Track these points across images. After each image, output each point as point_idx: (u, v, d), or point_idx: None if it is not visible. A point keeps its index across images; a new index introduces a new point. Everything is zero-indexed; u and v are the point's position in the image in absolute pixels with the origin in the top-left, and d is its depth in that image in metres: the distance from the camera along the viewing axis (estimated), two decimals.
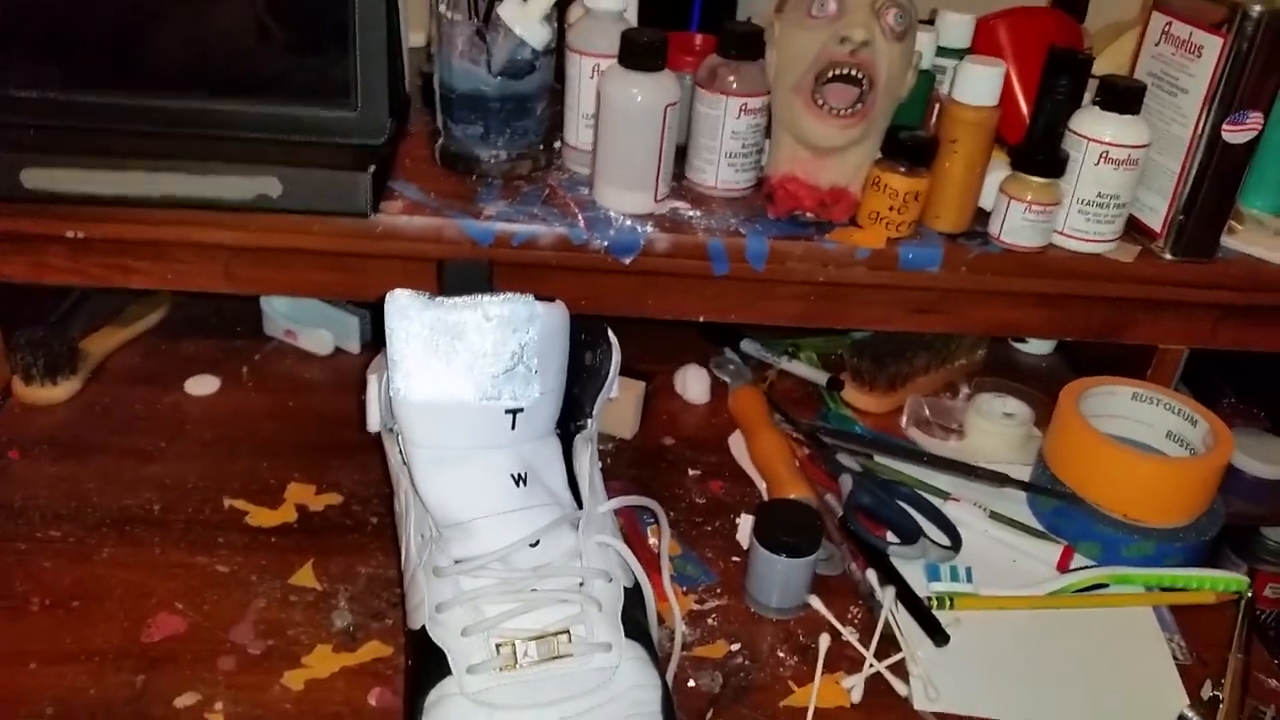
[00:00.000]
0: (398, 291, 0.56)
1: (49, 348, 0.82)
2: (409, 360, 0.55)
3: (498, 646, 0.54)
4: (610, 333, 0.64)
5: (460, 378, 0.56)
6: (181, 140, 0.75)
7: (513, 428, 0.57)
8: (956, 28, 0.87)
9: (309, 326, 0.91)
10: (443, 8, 0.79)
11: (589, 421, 0.63)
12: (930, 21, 0.88)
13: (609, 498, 0.63)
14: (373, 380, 0.61)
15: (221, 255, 0.78)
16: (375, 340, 0.92)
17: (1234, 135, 0.75)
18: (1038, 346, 1.05)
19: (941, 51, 0.87)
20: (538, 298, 0.58)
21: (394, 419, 0.57)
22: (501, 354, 0.56)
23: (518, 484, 0.57)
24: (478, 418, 0.56)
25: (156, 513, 0.73)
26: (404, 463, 0.57)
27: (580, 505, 0.60)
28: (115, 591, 0.66)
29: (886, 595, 0.67)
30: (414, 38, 1.00)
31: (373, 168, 0.74)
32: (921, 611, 0.68)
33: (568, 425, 0.62)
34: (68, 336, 0.85)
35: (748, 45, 0.78)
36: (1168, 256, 0.81)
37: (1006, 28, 0.88)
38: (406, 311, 0.55)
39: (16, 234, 0.75)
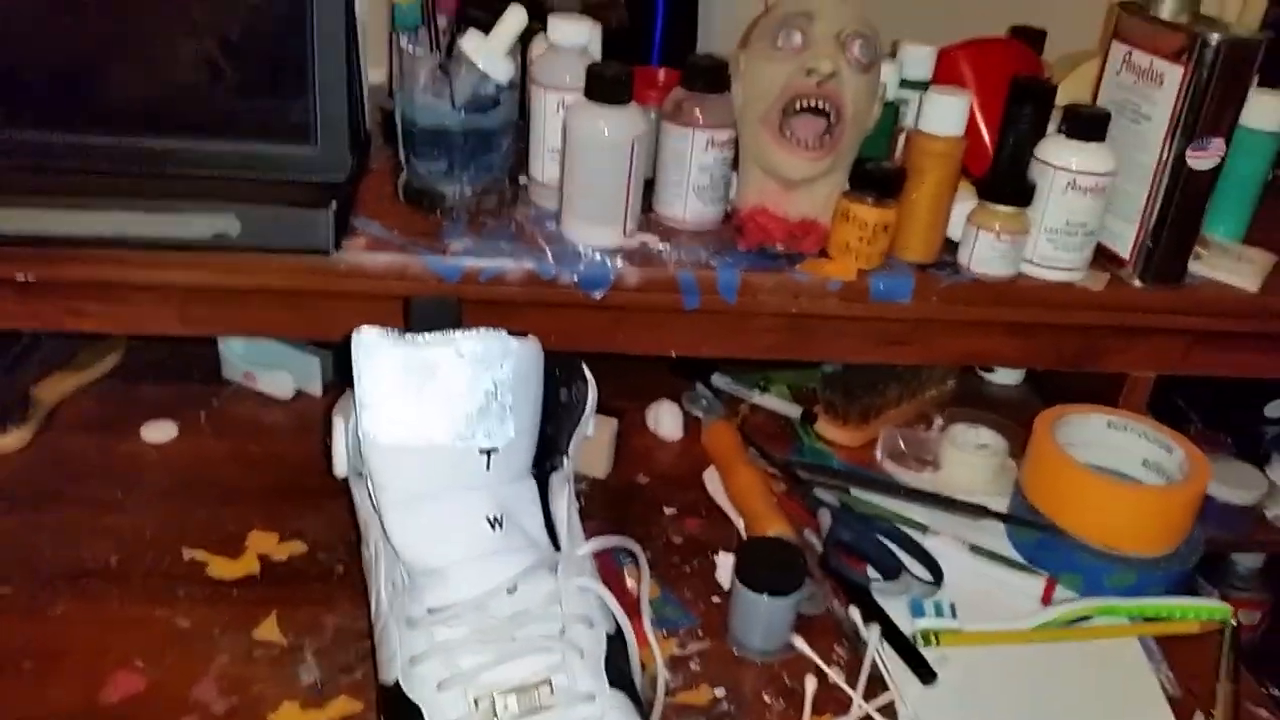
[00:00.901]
0: (365, 329, 0.54)
1: None
2: (378, 400, 0.53)
3: (476, 701, 0.52)
4: (586, 369, 0.62)
5: (432, 418, 0.54)
6: (136, 179, 0.73)
7: (487, 469, 0.55)
8: (918, 60, 0.88)
9: (268, 369, 0.89)
10: (403, 42, 0.78)
11: (565, 460, 0.61)
12: (892, 54, 0.88)
13: (586, 539, 0.62)
14: (338, 422, 0.58)
15: (176, 296, 0.75)
16: (337, 381, 0.90)
17: (1198, 162, 0.75)
18: (1006, 376, 1.05)
19: (904, 84, 0.87)
20: (510, 333, 0.56)
21: (363, 463, 0.55)
22: (475, 392, 0.54)
23: (493, 527, 0.55)
24: (451, 459, 0.54)
25: (113, 565, 0.70)
26: (374, 508, 0.55)
27: (558, 547, 0.58)
28: (71, 650, 0.63)
29: (871, 633, 0.66)
30: (374, 74, 0.99)
31: (334, 204, 0.72)
32: (908, 649, 0.67)
33: (543, 465, 0.61)
34: (18, 383, 0.82)
35: (713, 78, 0.78)
36: (1137, 283, 0.81)
37: (967, 59, 0.89)
38: (374, 350, 0.53)
39: None
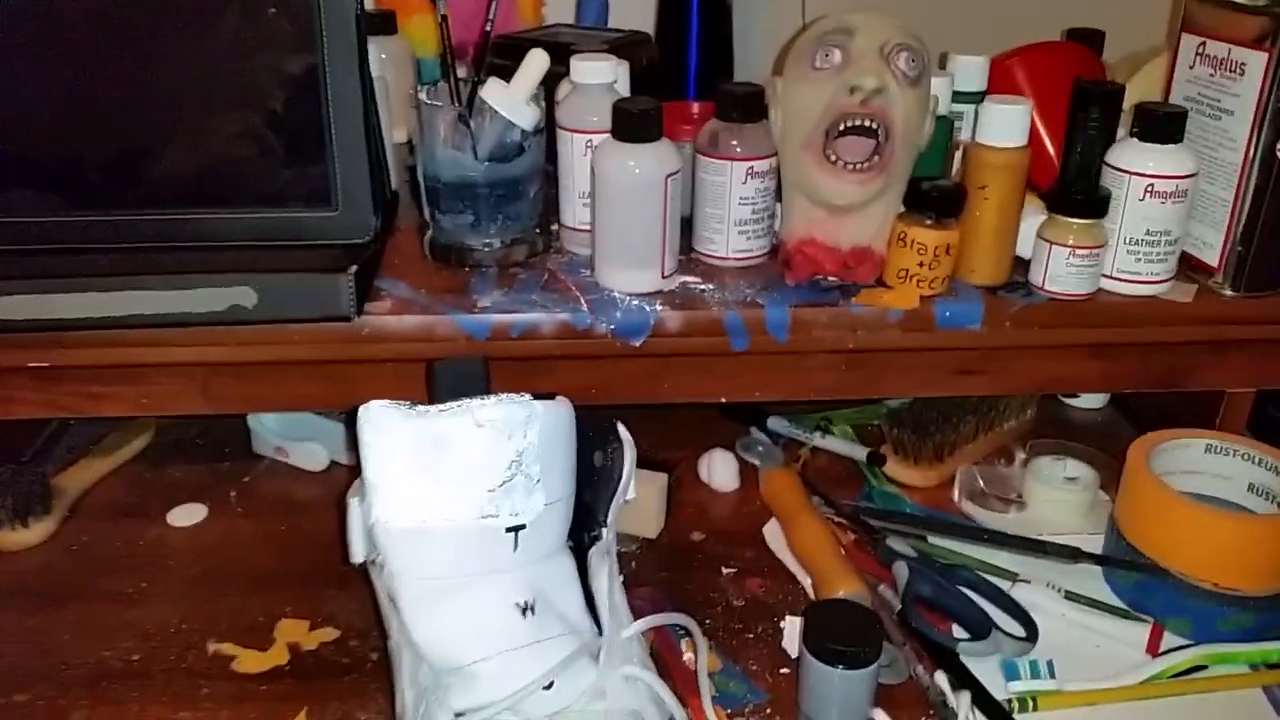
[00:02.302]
0: (372, 404, 0.49)
1: (18, 487, 0.76)
2: (389, 481, 0.49)
3: None
4: (621, 428, 0.57)
5: (450, 496, 0.49)
6: (149, 255, 0.70)
7: (515, 548, 0.50)
8: (970, 71, 0.82)
9: (300, 441, 0.85)
10: (423, 95, 0.74)
11: (604, 531, 0.55)
12: (942, 67, 0.83)
13: (634, 611, 0.56)
14: (353, 505, 0.54)
15: (199, 374, 0.72)
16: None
17: None
18: (1090, 400, 0.97)
19: (957, 96, 0.81)
20: (535, 396, 0.51)
21: (376, 550, 0.50)
22: (497, 464, 0.49)
23: (524, 614, 0.50)
24: (474, 540, 0.49)
25: (136, 663, 0.66)
26: (390, 599, 0.50)
27: (600, 630, 0.53)
28: None
29: (961, 702, 0.59)
30: (398, 134, 0.96)
31: (354, 268, 0.68)
32: (1003, 717, 0.60)
33: (581, 537, 0.55)
34: (39, 473, 0.79)
35: (749, 106, 0.73)
36: (1228, 293, 0.73)
37: (1023, 66, 0.83)
38: (383, 425, 0.49)
39: None
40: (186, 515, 0.80)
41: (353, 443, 0.80)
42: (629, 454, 0.56)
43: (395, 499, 0.49)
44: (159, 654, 0.66)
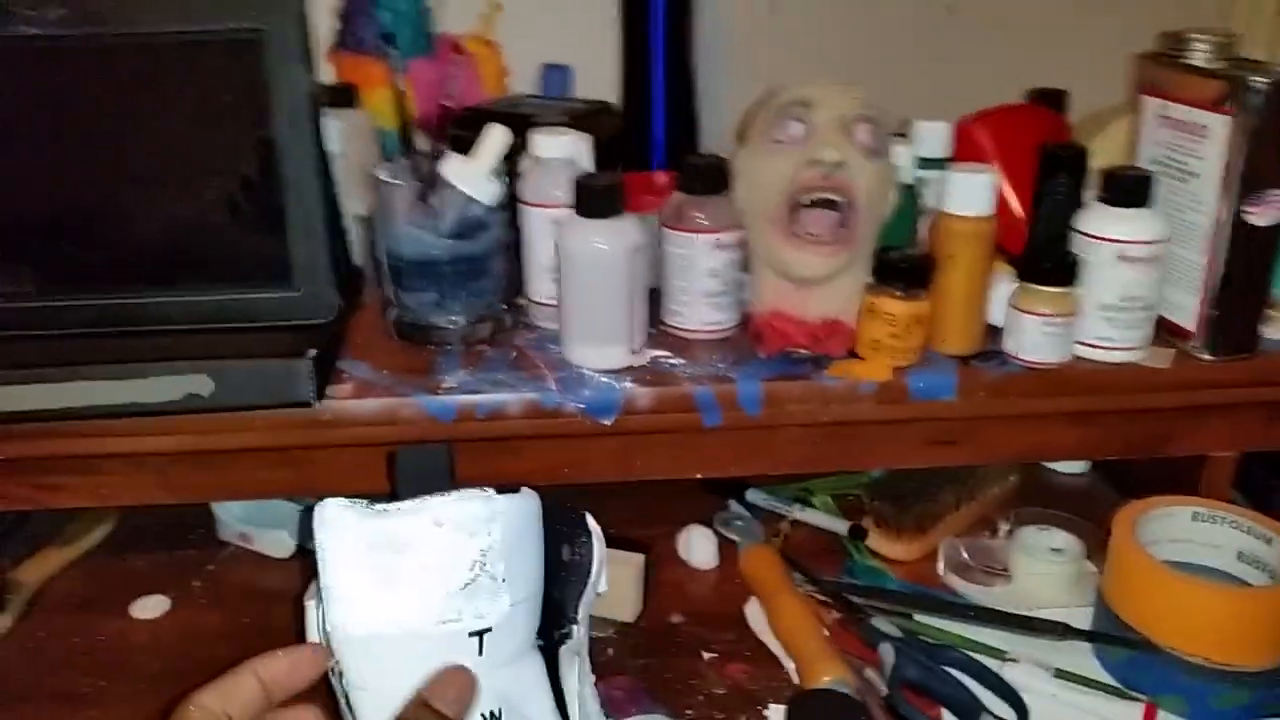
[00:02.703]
0: (328, 503, 0.47)
1: None
2: (344, 585, 0.46)
3: None
4: (590, 520, 0.55)
5: (410, 600, 0.46)
6: (103, 340, 0.68)
7: (480, 653, 0.47)
8: (933, 136, 0.82)
9: (265, 528, 0.83)
10: (380, 173, 0.73)
11: (574, 629, 0.53)
12: (903, 134, 0.82)
13: (610, 702, 0.53)
14: (310, 608, 0.51)
15: (156, 464, 0.69)
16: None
17: (1257, 218, 0.68)
18: (1073, 465, 0.96)
19: (922, 163, 0.81)
20: (499, 489, 0.49)
21: (334, 656, 0.47)
22: (458, 564, 0.47)
23: None
24: (435, 648, 0.47)
25: None
26: (349, 708, 0.48)
27: None
28: None
29: None
30: (361, 208, 0.95)
31: (313, 352, 0.66)
32: None
33: (550, 634, 0.53)
34: None
35: (712, 178, 0.72)
36: (1206, 356, 0.72)
37: (987, 130, 0.83)
38: (338, 526, 0.47)
39: None
40: (150, 608, 0.77)
41: (311, 535, 0.77)
42: (599, 547, 0.54)
43: (351, 604, 0.47)
44: None
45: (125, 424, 0.66)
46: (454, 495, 0.48)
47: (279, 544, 0.83)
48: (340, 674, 0.48)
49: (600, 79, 1.02)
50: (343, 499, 0.47)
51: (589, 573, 0.54)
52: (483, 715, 0.47)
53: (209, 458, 0.69)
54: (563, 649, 0.53)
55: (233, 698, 0.46)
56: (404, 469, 0.58)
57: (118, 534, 0.86)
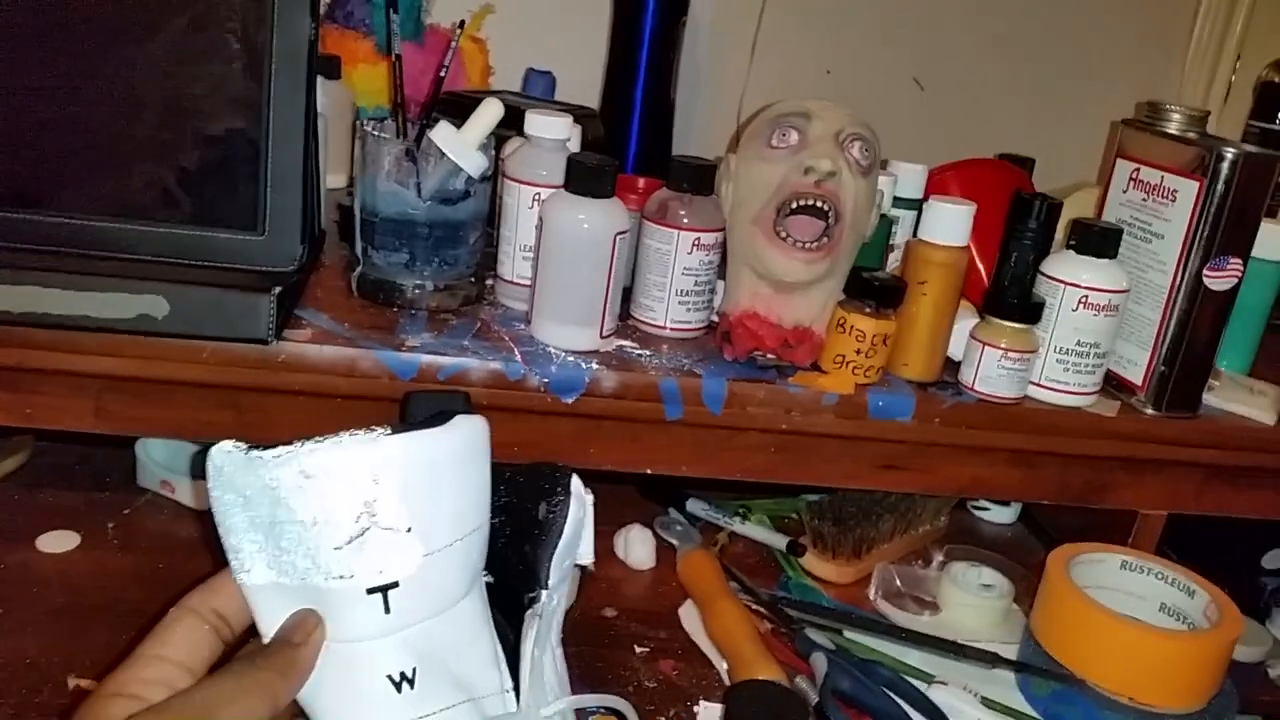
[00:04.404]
0: (218, 445, 0.42)
1: None
2: (233, 536, 0.43)
3: None
4: (575, 481, 0.52)
5: (293, 554, 0.43)
6: (56, 258, 0.65)
7: (386, 611, 0.43)
8: (909, 178, 0.84)
9: (189, 477, 0.79)
10: (369, 126, 0.72)
11: (541, 593, 0.50)
12: (885, 164, 0.84)
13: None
14: None
15: (93, 387, 0.66)
16: None
17: (1216, 282, 0.71)
18: (1000, 514, 0.98)
19: (896, 201, 0.83)
20: (411, 422, 0.45)
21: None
22: (337, 519, 0.42)
23: (400, 687, 0.44)
24: (331, 605, 0.43)
25: None
26: None
27: (518, 695, 0.48)
28: None
29: None
30: (333, 178, 0.93)
31: (278, 288, 0.64)
32: None
33: (521, 597, 0.50)
34: None
35: (699, 179, 0.73)
36: (1150, 411, 0.75)
37: (958, 180, 0.85)
38: (221, 473, 0.42)
39: None
40: (57, 542, 0.73)
41: None
42: (575, 509, 0.51)
43: (240, 555, 0.43)
44: (8, 687, 0.59)
45: (67, 338, 0.63)
46: (329, 441, 0.43)
47: (201, 494, 0.79)
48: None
49: (580, 95, 1.02)
50: (230, 442, 0.43)
51: (559, 533, 0.51)
52: (390, 677, 0.44)
53: (149, 388, 0.66)
54: (528, 612, 0.50)
55: (225, 596, 0.43)
56: (415, 415, 0.54)
57: (30, 468, 0.82)
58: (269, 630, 0.44)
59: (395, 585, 0.43)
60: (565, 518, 0.51)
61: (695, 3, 1.02)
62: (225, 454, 0.42)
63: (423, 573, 0.44)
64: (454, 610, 0.47)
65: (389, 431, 0.43)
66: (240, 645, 0.44)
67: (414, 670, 0.44)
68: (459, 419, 0.46)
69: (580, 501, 0.52)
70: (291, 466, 0.42)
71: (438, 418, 0.46)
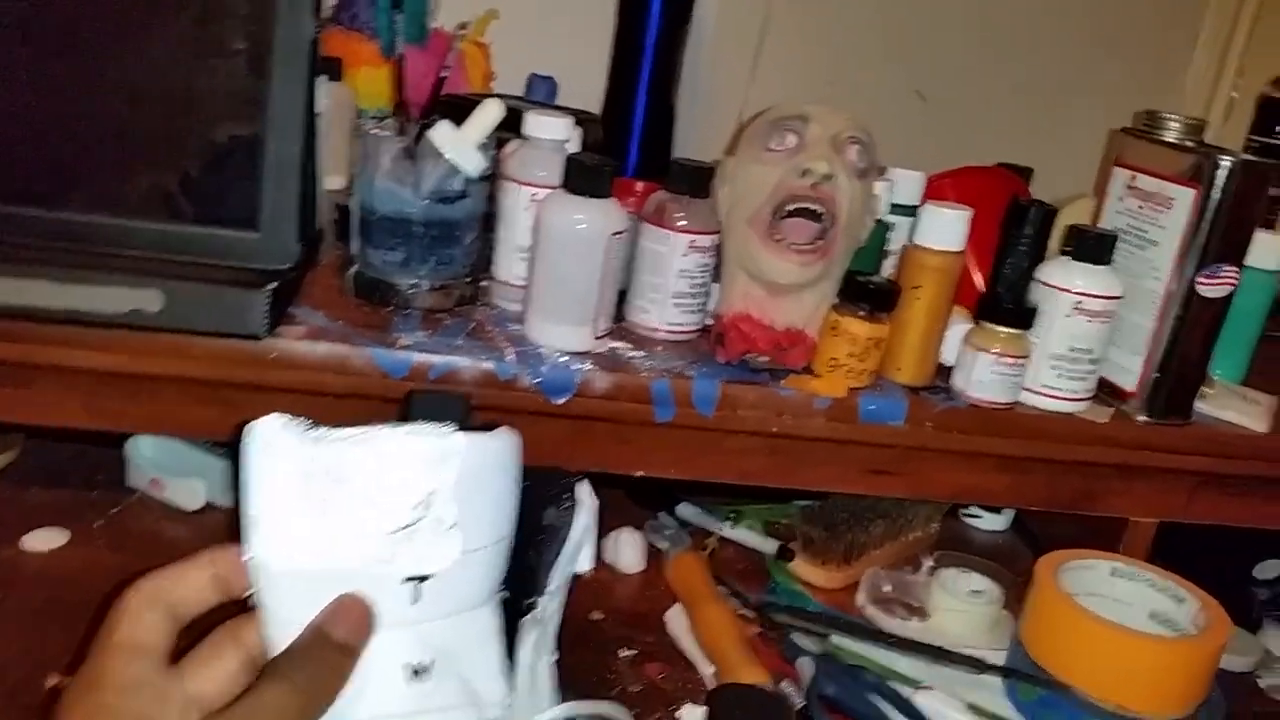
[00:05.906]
0: (265, 419, 0.43)
1: None
2: (271, 514, 0.43)
3: None
4: (584, 487, 0.52)
5: (340, 537, 0.43)
6: (50, 252, 0.65)
7: (414, 601, 0.44)
8: (907, 184, 0.84)
9: (179, 476, 0.79)
10: (369, 126, 0.72)
11: (539, 600, 0.50)
12: (883, 170, 0.84)
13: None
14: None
15: (84, 382, 0.66)
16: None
17: (1210, 289, 0.71)
18: (992, 522, 0.98)
19: (893, 208, 0.83)
20: (469, 426, 0.46)
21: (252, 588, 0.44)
22: (400, 505, 0.43)
23: (415, 676, 0.44)
24: (358, 588, 0.43)
25: None
26: (266, 650, 0.44)
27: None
28: None
29: None
30: (331, 180, 0.93)
31: (273, 284, 0.64)
32: None
33: (519, 602, 0.50)
34: None
35: (698, 182, 0.73)
36: (1142, 418, 0.75)
37: (955, 187, 0.85)
38: (274, 447, 0.43)
39: None
40: (43, 540, 0.72)
41: (236, 476, 0.74)
42: (583, 518, 0.51)
43: (276, 535, 0.43)
44: None
45: (59, 333, 0.63)
46: (405, 428, 0.44)
47: (190, 494, 0.79)
48: (253, 606, 0.45)
49: (582, 101, 1.02)
50: (281, 416, 0.44)
51: (564, 540, 0.51)
52: (408, 665, 0.44)
53: (140, 384, 0.66)
54: (525, 619, 0.50)
55: (182, 586, 0.43)
56: (416, 412, 0.52)
57: (19, 465, 0.81)
58: (279, 618, 0.44)
59: (429, 577, 0.44)
60: (570, 526, 0.51)
61: (698, 9, 1.03)
62: (279, 427, 0.43)
63: (459, 569, 0.45)
64: (473, 614, 0.48)
65: (453, 428, 0.45)
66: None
67: (432, 663, 0.45)
68: (501, 429, 0.48)
69: (588, 510, 0.52)
70: (366, 448, 0.43)
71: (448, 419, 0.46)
